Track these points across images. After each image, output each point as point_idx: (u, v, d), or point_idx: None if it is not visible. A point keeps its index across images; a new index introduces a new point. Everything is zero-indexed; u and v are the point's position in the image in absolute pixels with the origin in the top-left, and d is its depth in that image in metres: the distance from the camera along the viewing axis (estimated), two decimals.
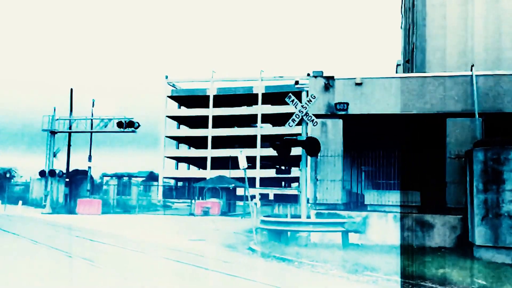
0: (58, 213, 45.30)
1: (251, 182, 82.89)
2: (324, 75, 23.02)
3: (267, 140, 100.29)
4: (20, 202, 49.98)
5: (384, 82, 22.43)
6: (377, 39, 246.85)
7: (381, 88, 22.31)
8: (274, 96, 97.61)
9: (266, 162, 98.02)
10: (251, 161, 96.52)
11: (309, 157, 22.49)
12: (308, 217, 20.56)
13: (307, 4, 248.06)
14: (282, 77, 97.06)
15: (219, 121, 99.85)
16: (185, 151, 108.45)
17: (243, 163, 21.78)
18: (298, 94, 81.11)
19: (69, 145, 51.60)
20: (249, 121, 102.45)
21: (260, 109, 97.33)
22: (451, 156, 21.35)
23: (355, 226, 18.99)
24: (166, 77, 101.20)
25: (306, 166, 21.31)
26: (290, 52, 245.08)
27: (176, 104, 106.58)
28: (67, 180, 50.57)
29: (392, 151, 23.12)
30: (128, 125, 45.88)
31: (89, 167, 49.61)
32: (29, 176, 68.35)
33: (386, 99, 22.16)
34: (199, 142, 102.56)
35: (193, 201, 53.17)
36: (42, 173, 46.95)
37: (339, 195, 22.29)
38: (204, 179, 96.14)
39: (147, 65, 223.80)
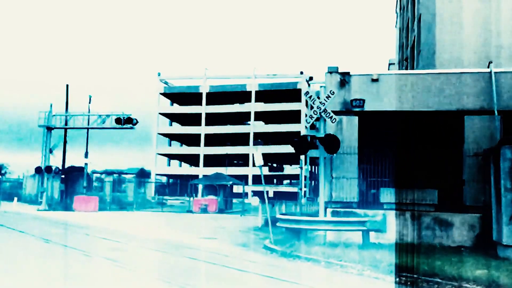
0: (54, 210, 44.59)
1: (245, 179, 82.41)
2: (339, 71, 22.61)
3: (261, 138, 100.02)
4: (16, 198, 49.21)
5: (401, 78, 22.11)
6: (370, 38, 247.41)
7: (398, 84, 21.97)
8: (267, 94, 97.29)
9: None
10: (243, 158, 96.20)
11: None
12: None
13: (301, 3, 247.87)
14: (275, 75, 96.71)
15: (212, 119, 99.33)
16: (177, 148, 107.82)
17: (259, 160, 21.34)
18: (297, 92, 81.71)
19: (65, 141, 51.02)
20: (242, 119, 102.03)
21: (253, 107, 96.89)
22: (469, 154, 21.05)
23: (377, 225, 18.67)
24: (159, 74, 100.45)
25: (325, 164, 20.80)
26: (283, 50, 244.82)
27: (168, 101, 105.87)
28: (63, 176, 49.88)
29: (407, 149, 22.86)
30: (126, 122, 45.28)
31: (86, 164, 48.92)
32: (22, 173, 67.58)
33: (402, 96, 21.83)
34: (191, 140, 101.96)
35: (191, 198, 52.57)
36: (38, 170, 46.16)
37: (354, 193, 21.95)
38: (196, 176, 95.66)
39: (140, 62, 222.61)
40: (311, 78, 26.58)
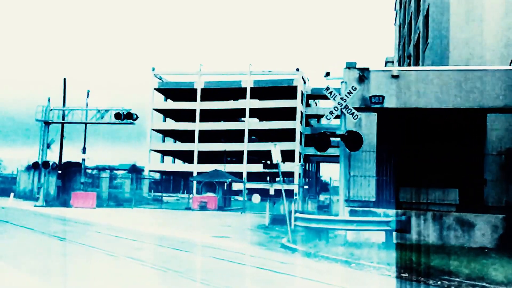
0: (51, 206, 43.85)
1: (239, 176, 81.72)
2: (358, 66, 22.08)
3: (255, 135, 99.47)
4: (12, 194, 48.32)
5: (421, 75, 21.61)
6: (366, 36, 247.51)
7: (418, 81, 21.48)
8: (263, 91, 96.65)
9: (252, 157, 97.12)
10: (237, 155, 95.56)
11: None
12: (336, 214, 19.75)
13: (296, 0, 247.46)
14: (271, 71, 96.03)
15: (206, 115, 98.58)
16: (171, 144, 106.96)
17: (277, 156, 20.75)
18: (292, 89, 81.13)
19: (62, 136, 50.17)
20: (236, 115, 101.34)
21: (248, 103, 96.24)
22: (491, 153, 20.61)
23: (401, 225, 18.13)
24: (153, 69, 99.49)
25: (345, 161, 20.24)
26: (279, 47, 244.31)
27: (161, 97, 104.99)
28: (60, 172, 49.04)
29: (426, 147, 22.37)
30: (126, 117, 44.51)
31: (83, 159, 48.10)
32: (16, 168, 66.50)
33: (422, 93, 21.34)
34: (185, 136, 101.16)
35: (190, 195, 51.90)
36: (35, 165, 45.24)
37: (372, 192, 21.44)
38: (191, 173, 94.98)
39: (134, 58, 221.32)
40: (327, 74, 25.75)
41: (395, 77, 21.62)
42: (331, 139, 20.89)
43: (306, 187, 78.00)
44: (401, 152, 22.22)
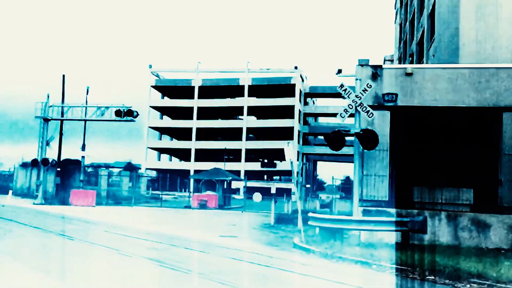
0: (50, 204, 43.29)
1: (237, 175, 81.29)
2: (370, 63, 21.72)
3: (253, 133, 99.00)
4: (10, 192, 47.72)
5: (436, 73, 21.24)
6: (365, 34, 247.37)
7: (432, 78, 21.11)
8: (261, 89, 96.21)
9: (251, 155, 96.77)
10: (234, 153, 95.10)
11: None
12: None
13: None
14: (269, 69, 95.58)
15: (204, 113, 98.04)
16: (168, 142, 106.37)
17: (290, 155, 20.33)
18: (291, 87, 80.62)
19: (61, 133, 49.52)
20: (234, 113, 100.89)
21: (246, 101, 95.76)
22: (507, 153, 20.27)
23: (418, 225, 17.75)
24: (150, 67, 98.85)
25: (359, 160, 19.83)
26: (277, 44, 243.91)
27: (159, 94, 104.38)
28: (59, 169, 48.43)
29: (439, 146, 22.04)
30: (126, 114, 44.00)
31: (83, 157, 47.49)
32: (13, 165, 65.80)
33: (436, 91, 20.97)
34: (182, 134, 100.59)
35: (191, 193, 51.41)
36: (34, 162, 44.64)
37: (385, 191, 21.07)
38: (188, 171, 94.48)
39: (132, 55, 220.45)
40: (339, 71, 25.25)
41: (409, 74, 21.26)
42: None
43: (308, 186, 77.59)
44: (415, 151, 21.88)
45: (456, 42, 28.15)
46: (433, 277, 12.90)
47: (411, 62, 48.19)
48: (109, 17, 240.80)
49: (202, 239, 20.30)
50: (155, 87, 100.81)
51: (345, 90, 19.79)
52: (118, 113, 43.77)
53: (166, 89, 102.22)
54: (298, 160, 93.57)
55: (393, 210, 20.16)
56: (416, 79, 21.21)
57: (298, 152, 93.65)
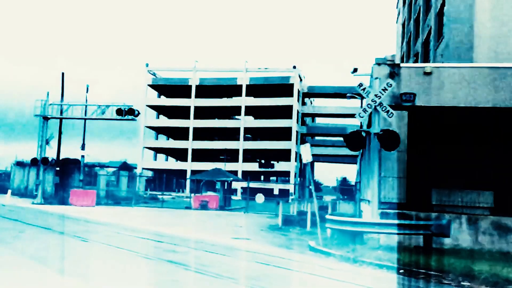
0: (50, 203, 42.61)
1: (234, 175, 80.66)
2: (387, 62, 21.19)
3: (250, 133, 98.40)
4: (9, 191, 46.95)
5: (456, 72, 20.73)
6: (364, 34, 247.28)
7: (452, 78, 20.61)
8: (258, 88, 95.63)
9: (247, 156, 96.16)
10: (231, 153, 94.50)
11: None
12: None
13: None
14: (267, 68, 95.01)
15: (201, 112, 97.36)
16: (165, 142, 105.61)
17: (307, 156, 19.77)
18: (289, 87, 79.93)
19: (60, 132, 48.88)
20: (231, 113, 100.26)
21: (244, 101, 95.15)
22: None
23: (441, 229, 17.26)
24: (147, 65, 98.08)
25: (378, 161, 19.26)
26: (276, 43, 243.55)
27: (155, 93, 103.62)
28: (58, 169, 47.72)
29: (459, 147, 21.51)
30: (127, 113, 43.35)
31: (83, 156, 46.83)
32: (10, 164, 64.86)
33: (456, 90, 20.48)
34: (179, 133, 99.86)
35: (192, 194, 50.80)
36: (33, 161, 43.87)
37: (403, 193, 20.55)
38: (184, 171, 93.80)
39: (128, 53, 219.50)
40: (355, 70, 24.72)
41: (428, 73, 20.76)
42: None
43: (310, 187, 76.96)
44: (432, 152, 21.34)
45: (470, 41, 27.71)
46: (468, 283, 12.38)
47: (415, 62, 47.73)
48: (106, 15, 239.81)
49: (216, 241, 19.74)
50: (151, 86, 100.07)
51: (364, 89, 19.28)
52: (119, 111, 43.09)
53: (163, 88, 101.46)
54: (296, 161, 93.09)
55: (411, 213, 19.66)
56: (435, 78, 20.72)
57: (296, 152, 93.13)
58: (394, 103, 20.80)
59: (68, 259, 13.68)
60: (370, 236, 20.14)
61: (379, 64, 21.28)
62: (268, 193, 73.98)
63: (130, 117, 43.42)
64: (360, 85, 19.38)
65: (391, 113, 18.82)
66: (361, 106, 61.85)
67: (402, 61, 62.66)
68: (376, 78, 19.64)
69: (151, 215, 34.80)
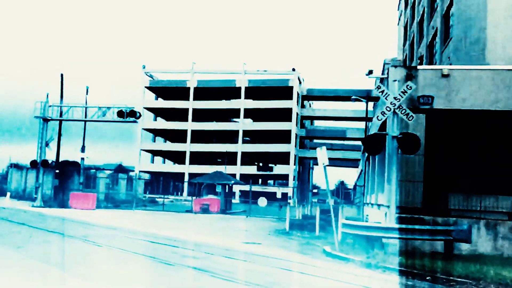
0: (50, 206, 42.03)
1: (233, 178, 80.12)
2: (404, 64, 20.78)
3: (248, 136, 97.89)
4: (8, 194, 46.29)
5: (475, 74, 20.34)
6: (364, 36, 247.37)
7: (471, 81, 20.22)
8: (257, 91, 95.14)
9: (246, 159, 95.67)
10: (229, 156, 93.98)
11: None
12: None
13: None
14: (266, 71, 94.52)
15: (198, 115, 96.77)
16: (162, 144, 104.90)
17: (323, 159, 19.32)
18: (289, 89, 79.41)
19: (59, 134, 48.28)
20: (230, 115, 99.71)
21: (243, 103, 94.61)
22: None
23: (463, 234, 16.82)
24: (144, 67, 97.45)
25: (396, 165, 18.80)
26: (275, 46, 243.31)
27: (152, 95, 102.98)
28: (57, 171, 47.10)
29: (477, 151, 21.15)
30: (129, 115, 42.85)
31: (82, 159, 46.22)
32: (6, 166, 64.09)
33: (475, 93, 20.08)
34: (176, 136, 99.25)
35: (193, 197, 50.26)
36: (33, 163, 43.24)
37: (419, 198, 20.15)
38: (182, 174, 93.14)
39: (126, 55, 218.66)
40: (370, 72, 24.42)
41: (445, 76, 20.38)
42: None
43: (315, 190, 76.64)
44: (450, 155, 20.98)
45: (482, 43, 27.37)
46: None
47: (420, 64, 47.43)
48: (103, 17, 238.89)
49: (229, 246, 19.29)
50: (149, 88, 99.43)
51: (382, 91, 18.84)
52: (120, 113, 42.55)
53: (160, 90, 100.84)
54: (295, 164, 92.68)
55: (428, 218, 19.25)
56: (453, 81, 20.33)
57: (295, 156, 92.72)
58: (411, 106, 20.37)
59: (89, 265, 13.20)
60: (385, 241, 19.77)
61: (395, 66, 20.92)
62: (267, 196, 73.61)
63: (131, 119, 42.93)
64: (379, 87, 18.96)
65: (411, 116, 18.38)
66: (366, 109, 61.53)
67: (404, 63, 62.39)
68: (395, 80, 19.22)
69: (155, 219, 34.24)
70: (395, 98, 18.57)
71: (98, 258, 14.45)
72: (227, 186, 52.09)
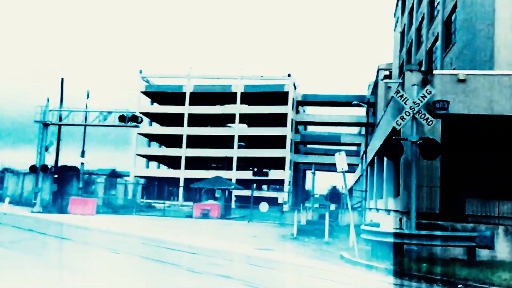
0: (49, 212, 41.56)
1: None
2: (420, 69, 20.67)
3: (244, 141, 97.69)
4: (7, 199, 45.71)
5: (491, 79, 20.23)
6: (359, 43, 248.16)
7: (487, 85, 20.11)
8: (253, 96, 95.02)
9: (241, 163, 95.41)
10: (223, 161, 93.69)
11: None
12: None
13: (290, 5, 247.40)
14: (262, 76, 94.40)
15: (194, 120, 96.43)
16: (158, 149, 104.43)
17: (342, 164, 19.13)
18: (284, 95, 79.32)
19: (58, 139, 47.84)
20: (225, 120, 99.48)
21: (238, 108, 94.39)
22: None
23: (486, 241, 16.67)
24: (140, 72, 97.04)
25: (415, 170, 18.65)
26: (271, 52, 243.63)
27: (148, 100, 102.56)
28: (56, 176, 46.60)
29: (495, 156, 21.04)
30: (131, 120, 42.47)
31: (82, 163, 45.74)
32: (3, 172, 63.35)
33: (492, 98, 19.97)
34: (172, 141, 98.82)
35: (194, 203, 49.94)
36: (32, 168, 42.74)
37: (436, 203, 19.98)
38: (177, 179, 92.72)
39: (122, 60, 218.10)
40: (385, 77, 24.17)
41: (462, 81, 20.25)
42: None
43: (317, 195, 76.43)
44: (466, 161, 20.86)
45: (489, 49, 27.30)
46: None
47: (419, 70, 47.41)
48: (102, 23, 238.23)
49: (246, 253, 19.06)
50: (145, 92, 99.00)
51: (401, 96, 18.70)
52: (122, 118, 42.16)
53: (157, 95, 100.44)
54: (290, 169, 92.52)
55: (447, 224, 19.08)
56: (469, 86, 20.21)
57: (290, 161, 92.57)
58: (427, 110, 20.24)
59: (114, 274, 12.85)
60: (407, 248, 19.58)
61: (411, 71, 20.74)
62: (264, 201, 73.28)
63: (133, 123, 42.55)
64: (398, 91, 18.81)
65: (431, 121, 18.26)
66: (367, 115, 61.49)
67: (400, 69, 62.47)
68: (414, 85, 19.08)
69: (160, 225, 33.89)
70: (414, 102, 18.44)
71: (121, 267, 13.97)
72: (227, 191, 51.87)
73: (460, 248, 17.98)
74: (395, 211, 23.38)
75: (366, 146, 43.79)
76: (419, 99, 18.40)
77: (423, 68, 44.50)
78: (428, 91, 18.39)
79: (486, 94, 20.01)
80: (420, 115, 18.39)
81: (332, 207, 55.20)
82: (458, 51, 33.81)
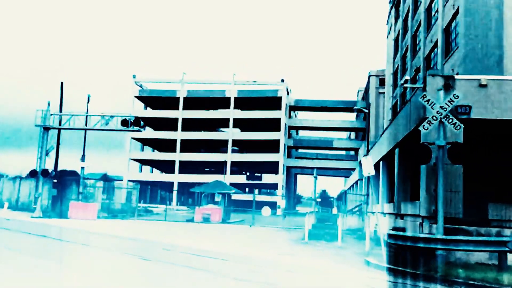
0: (49, 217, 41.05)
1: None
2: (443, 74, 20.70)
3: (237, 145, 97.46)
4: (6, 204, 45.12)
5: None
6: (352, 49, 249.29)
7: (509, 90, 20.20)
8: (246, 101, 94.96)
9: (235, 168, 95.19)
10: (216, 165, 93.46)
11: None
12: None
13: (283, 11, 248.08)
14: (255, 81, 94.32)
15: (187, 124, 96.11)
16: (151, 153, 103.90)
17: (369, 169, 19.07)
18: (277, 100, 79.50)
19: (58, 143, 47.33)
20: (219, 125, 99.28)
21: (232, 113, 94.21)
22: None
23: None
24: (134, 77, 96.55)
25: (442, 174, 18.63)
26: (264, 57, 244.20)
27: (141, 104, 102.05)
28: (55, 181, 46.06)
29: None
30: (133, 124, 42.25)
31: (82, 168, 45.25)
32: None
33: None
34: (165, 145, 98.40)
35: (196, 207, 49.71)
36: (33, 173, 42.24)
37: (459, 208, 19.98)
38: (171, 183, 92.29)
39: (116, 64, 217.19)
40: (406, 81, 24.34)
41: (483, 86, 20.31)
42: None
43: (319, 200, 76.33)
44: (489, 165, 20.89)
45: (497, 55, 27.45)
46: None
47: (415, 76, 47.66)
48: (94, 27, 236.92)
49: (270, 258, 18.91)
50: (138, 97, 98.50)
51: (428, 100, 18.69)
52: (124, 122, 41.91)
53: (150, 100, 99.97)
54: (283, 173, 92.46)
55: (472, 229, 19.09)
56: (491, 91, 20.28)
57: (283, 165, 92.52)
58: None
59: (151, 283, 12.59)
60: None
61: (433, 76, 20.77)
62: (258, 205, 73.10)
63: (135, 128, 42.34)
64: (424, 96, 18.80)
65: (459, 125, 18.27)
66: (364, 120, 61.31)
67: (395, 75, 62.66)
68: (439, 89, 19.08)
69: (166, 229, 33.63)
70: (441, 107, 18.45)
71: (164, 277, 13.46)
72: (227, 195, 51.70)
73: (484, 253, 18.04)
74: (413, 215, 23.35)
75: (367, 151, 43.81)
76: (446, 103, 18.41)
77: (421, 73, 44.70)
78: (455, 96, 18.40)
79: (507, 99, 20.08)
80: (447, 119, 18.39)
81: (335, 211, 55.19)
82: (463, 57, 33.91)
